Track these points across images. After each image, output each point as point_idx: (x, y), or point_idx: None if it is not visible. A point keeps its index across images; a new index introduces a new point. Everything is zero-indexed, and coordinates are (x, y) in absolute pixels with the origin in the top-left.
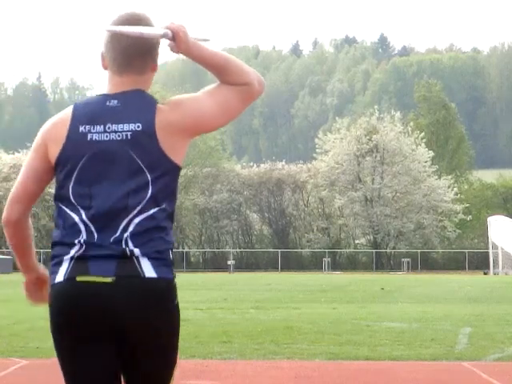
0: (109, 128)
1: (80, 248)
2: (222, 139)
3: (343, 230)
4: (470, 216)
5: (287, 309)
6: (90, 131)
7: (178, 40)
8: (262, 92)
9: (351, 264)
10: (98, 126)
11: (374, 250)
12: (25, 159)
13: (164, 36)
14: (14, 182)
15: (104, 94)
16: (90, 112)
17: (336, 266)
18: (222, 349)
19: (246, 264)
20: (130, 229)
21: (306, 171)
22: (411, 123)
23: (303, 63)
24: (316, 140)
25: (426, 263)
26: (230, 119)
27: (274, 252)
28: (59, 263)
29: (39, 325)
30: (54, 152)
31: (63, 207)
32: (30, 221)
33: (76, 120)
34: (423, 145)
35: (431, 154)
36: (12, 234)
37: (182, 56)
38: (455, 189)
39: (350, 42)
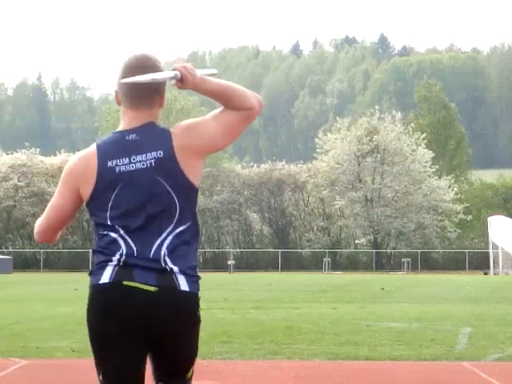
0: (133, 159)
1: (121, 257)
2: None
3: (343, 230)
4: (470, 216)
5: (287, 309)
6: (117, 164)
7: (185, 80)
8: (261, 112)
9: (351, 264)
10: (124, 159)
11: (374, 250)
12: (54, 195)
13: (173, 78)
14: (12, 182)
15: (121, 131)
16: (113, 148)
17: (336, 265)
18: (222, 349)
19: (246, 264)
20: (165, 245)
21: (306, 171)
22: (412, 123)
23: (303, 63)
24: (316, 140)
25: (426, 263)
26: (234, 139)
27: (274, 252)
28: (103, 267)
29: (39, 325)
30: (87, 190)
31: (101, 231)
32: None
33: (102, 157)
34: (423, 145)
35: (431, 154)
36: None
37: (182, 56)
38: (455, 189)
39: (349, 42)
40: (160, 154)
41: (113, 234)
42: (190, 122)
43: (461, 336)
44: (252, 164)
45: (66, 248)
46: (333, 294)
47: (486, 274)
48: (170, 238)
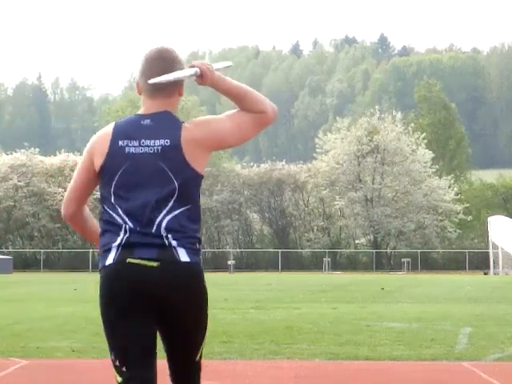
0: (143, 143)
1: (124, 236)
2: None
3: (343, 230)
4: (470, 216)
5: (287, 309)
6: (127, 145)
7: (204, 77)
8: (276, 119)
9: (351, 264)
10: (134, 141)
11: (374, 250)
12: (76, 168)
13: (194, 75)
14: (12, 182)
15: (139, 114)
16: (128, 129)
17: (336, 265)
18: (222, 349)
19: (247, 264)
20: (164, 223)
21: (306, 171)
22: (412, 123)
23: (303, 63)
24: (316, 140)
25: (426, 263)
26: (245, 140)
27: (275, 252)
28: (108, 250)
29: (39, 325)
30: (98, 163)
31: (106, 207)
32: (87, 210)
33: (116, 136)
34: (423, 145)
35: (431, 154)
36: (73, 226)
37: (182, 56)
38: (455, 189)
39: (349, 42)
40: (167, 142)
41: (114, 214)
42: (204, 117)
43: (461, 336)
44: (252, 164)
45: (65, 248)
46: (333, 293)
47: (486, 274)
48: (169, 217)
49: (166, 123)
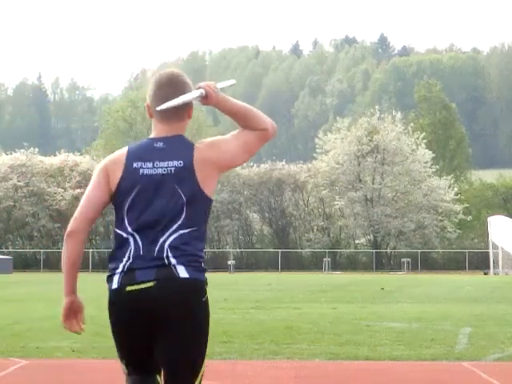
0: (156, 165)
1: (127, 262)
2: None
3: (343, 230)
4: (470, 216)
5: (287, 309)
6: (141, 167)
7: (209, 98)
8: (275, 135)
9: (351, 264)
10: (148, 163)
11: (373, 250)
12: (87, 187)
13: (200, 96)
14: (12, 182)
15: (151, 138)
16: (141, 152)
17: (336, 265)
18: (222, 349)
19: (246, 264)
20: (168, 242)
21: (306, 171)
22: (412, 123)
23: (303, 63)
24: (316, 140)
25: (425, 263)
26: (251, 156)
27: (274, 252)
28: (113, 274)
29: (39, 325)
30: (115, 181)
31: (118, 229)
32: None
33: (130, 158)
34: (423, 145)
35: (431, 154)
36: (72, 247)
37: (182, 56)
38: (455, 189)
39: (349, 42)
40: (180, 163)
41: (124, 234)
42: (213, 138)
43: (461, 336)
44: (252, 164)
45: None
46: (333, 293)
47: (486, 274)
48: (174, 236)
49: (179, 145)
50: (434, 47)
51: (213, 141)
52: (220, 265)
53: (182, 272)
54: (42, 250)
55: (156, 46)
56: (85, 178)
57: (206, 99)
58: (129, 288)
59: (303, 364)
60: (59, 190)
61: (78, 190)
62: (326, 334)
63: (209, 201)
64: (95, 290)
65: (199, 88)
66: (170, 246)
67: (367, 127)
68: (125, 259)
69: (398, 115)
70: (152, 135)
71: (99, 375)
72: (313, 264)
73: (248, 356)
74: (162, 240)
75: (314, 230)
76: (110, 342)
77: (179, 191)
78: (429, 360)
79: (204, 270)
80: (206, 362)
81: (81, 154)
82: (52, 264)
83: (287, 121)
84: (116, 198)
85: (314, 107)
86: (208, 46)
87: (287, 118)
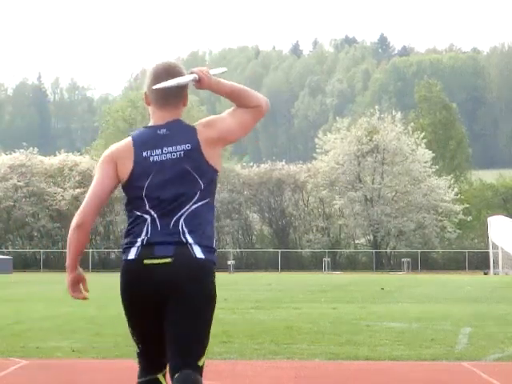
0: (165, 150)
1: (145, 237)
2: None
3: (343, 230)
4: (470, 216)
5: (287, 309)
6: (151, 155)
7: (202, 81)
8: (268, 110)
9: (351, 264)
10: (157, 150)
11: (373, 250)
12: (94, 178)
13: (193, 80)
14: (12, 182)
15: (153, 126)
16: (147, 140)
17: (336, 265)
18: (222, 349)
19: (246, 264)
20: (183, 217)
21: (306, 171)
22: (412, 123)
23: (303, 63)
24: (316, 140)
25: (426, 263)
26: (247, 132)
27: (274, 252)
28: (130, 246)
29: (39, 325)
30: (125, 174)
31: (135, 210)
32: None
33: (138, 148)
34: (423, 145)
35: (431, 154)
36: (81, 237)
37: (181, 56)
38: (455, 189)
39: (349, 41)
40: (188, 146)
41: (143, 214)
42: (209, 118)
43: (461, 336)
44: (252, 164)
45: (65, 248)
46: (333, 293)
47: (486, 274)
48: (189, 211)
49: (182, 130)
50: (434, 47)
51: (209, 120)
52: (220, 265)
53: (198, 252)
54: (41, 250)
55: (156, 46)
56: (84, 177)
57: (199, 83)
58: (146, 261)
59: (303, 364)
60: (59, 189)
61: (78, 190)
62: (326, 334)
63: (216, 172)
64: (95, 289)
65: (192, 73)
66: (184, 220)
67: (367, 127)
68: (143, 234)
69: (398, 115)
70: (151, 123)
71: (99, 375)
72: (313, 264)
73: (248, 356)
74: (177, 215)
75: (314, 230)
76: (110, 342)
77: (191, 171)
78: (429, 360)
79: (215, 251)
80: (206, 362)
81: (81, 154)
82: (52, 264)
83: (287, 121)
84: (130, 184)
85: (313, 107)
86: (208, 45)
87: (287, 118)
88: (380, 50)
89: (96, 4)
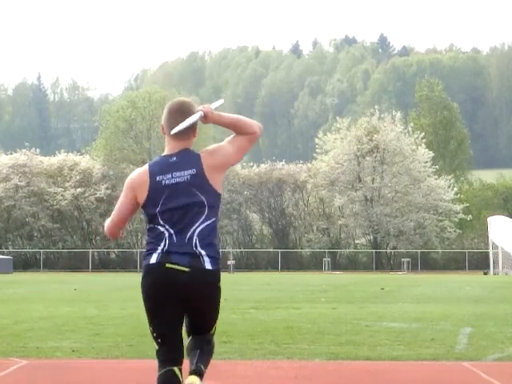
0: (174, 175)
1: (164, 246)
2: (222, 139)
3: (343, 230)
4: (470, 216)
5: (287, 309)
6: (163, 179)
7: (207, 117)
8: (261, 134)
9: (351, 264)
10: (168, 175)
11: (373, 250)
12: (119, 199)
13: (200, 118)
14: (12, 182)
15: (166, 155)
16: (160, 167)
17: (336, 265)
18: (222, 349)
19: (246, 264)
20: (196, 232)
21: (306, 171)
22: (411, 123)
23: (303, 63)
24: (316, 140)
25: (426, 263)
26: (243, 154)
27: (274, 252)
28: (152, 253)
29: (39, 325)
30: (142, 196)
31: (154, 225)
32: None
33: (152, 173)
34: (423, 145)
35: (431, 154)
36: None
37: (181, 56)
38: (455, 189)
39: (349, 42)
40: (193, 171)
41: (160, 228)
42: (212, 147)
43: (461, 336)
44: (252, 164)
45: (65, 248)
46: (333, 293)
47: (485, 273)
48: (200, 228)
49: (189, 157)
50: (434, 47)
51: (214, 149)
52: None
53: (208, 264)
54: (41, 250)
55: (156, 46)
56: (84, 177)
57: (205, 118)
58: (168, 265)
59: (303, 364)
60: (59, 190)
61: (78, 190)
62: (326, 334)
63: (219, 195)
64: (95, 289)
65: (198, 111)
66: (198, 235)
67: (367, 127)
68: (162, 243)
69: (398, 115)
70: (166, 152)
71: (99, 375)
72: (313, 264)
73: (248, 356)
74: (191, 230)
75: (314, 230)
76: (110, 342)
77: (197, 192)
78: (429, 360)
79: (219, 259)
80: None
81: (81, 154)
82: (52, 264)
83: (287, 121)
84: (147, 205)
85: (313, 107)
86: (208, 46)
87: (287, 118)
88: (380, 50)
89: (96, 4)
